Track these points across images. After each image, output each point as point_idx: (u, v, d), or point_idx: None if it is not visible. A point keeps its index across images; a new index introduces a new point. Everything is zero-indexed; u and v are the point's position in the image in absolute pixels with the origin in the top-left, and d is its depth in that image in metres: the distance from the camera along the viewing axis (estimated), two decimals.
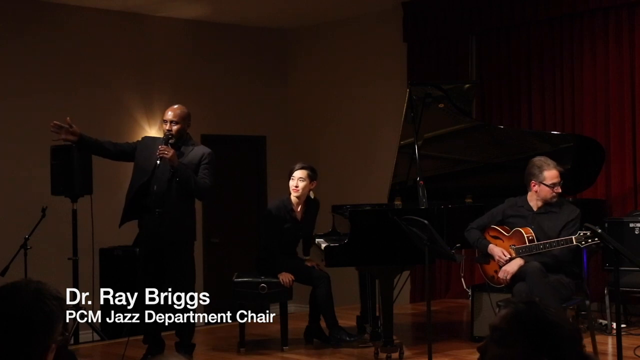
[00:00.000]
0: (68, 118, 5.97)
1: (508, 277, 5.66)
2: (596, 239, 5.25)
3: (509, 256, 5.72)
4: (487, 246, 5.84)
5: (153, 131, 8.92)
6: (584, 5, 7.85)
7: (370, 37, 9.74)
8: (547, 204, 5.84)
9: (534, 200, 5.86)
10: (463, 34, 8.83)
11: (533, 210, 5.84)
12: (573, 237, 5.42)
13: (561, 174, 5.84)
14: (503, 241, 5.86)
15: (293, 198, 6.65)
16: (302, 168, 6.65)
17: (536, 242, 5.67)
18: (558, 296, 5.52)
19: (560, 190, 5.82)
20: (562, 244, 5.52)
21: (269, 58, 10.42)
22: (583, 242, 5.37)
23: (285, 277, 6.47)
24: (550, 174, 5.78)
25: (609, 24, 7.75)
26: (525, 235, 5.73)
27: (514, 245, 5.75)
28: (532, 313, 2.02)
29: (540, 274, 5.50)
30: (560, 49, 8.12)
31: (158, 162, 5.85)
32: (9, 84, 8.41)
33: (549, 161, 5.84)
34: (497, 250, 5.78)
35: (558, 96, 8.14)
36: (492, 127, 7.37)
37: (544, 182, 5.78)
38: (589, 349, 5.02)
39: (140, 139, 6.47)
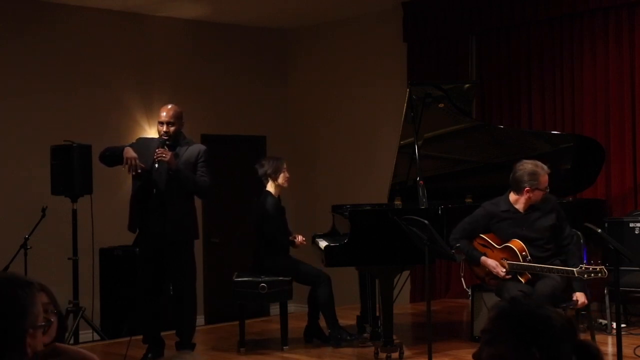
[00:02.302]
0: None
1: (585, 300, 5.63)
2: (600, 274, 5.23)
3: (506, 269, 5.68)
4: (479, 258, 5.79)
5: (153, 131, 8.90)
6: (584, 5, 7.84)
7: (370, 37, 9.74)
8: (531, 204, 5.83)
9: (521, 204, 5.81)
10: (463, 34, 8.82)
11: (521, 212, 5.82)
12: (575, 269, 5.37)
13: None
14: (493, 251, 5.82)
15: (276, 190, 6.72)
16: (283, 159, 6.84)
17: (533, 264, 5.60)
18: (554, 297, 5.52)
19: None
20: (563, 274, 5.51)
21: (269, 58, 10.42)
22: (585, 276, 5.33)
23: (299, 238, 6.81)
24: (544, 179, 5.76)
25: (609, 24, 7.75)
26: (518, 252, 5.68)
27: (508, 260, 5.71)
28: (516, 308, 2.07)
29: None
30: (560, 49, 8.11)
31: (156, 165, 5.86)
32: (9, 84, 8.40)
33: (540, 166, 5.76)
34: (491, 262, 5.73)
35: (558, 96, 8.13)
36: (492, 127, 7.38)
37: (539, 188, 5.76)
38: None
39: (134, 140, 6.47)
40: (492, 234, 5.88)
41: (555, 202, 5.84)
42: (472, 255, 5.84)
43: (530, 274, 5.66)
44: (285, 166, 6.72)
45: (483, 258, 5.77)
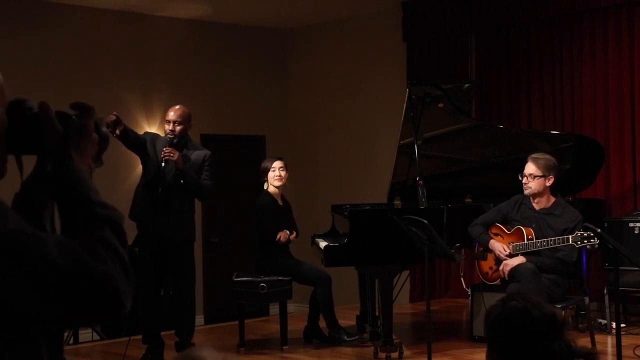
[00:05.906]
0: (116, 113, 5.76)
1: (507, 269, 5.69)
2: (592, 240, 5.29)
3: (509, 251, 5.78)
4: (488, 242, 5.90)
5: (152, 130, 8.89)
6: (584, 5, 7.84)
7: (370, 37, 9.74)
8: (550, 206, 5.86)
9: (533, 199, 5.91)
10: (462, 33, 8.82)
11: (535, 210, 5.88)
12: (570, 236, 5.46)
13: (546, 169, 5.82)
14: (503, 238, 5.93)
15: (273, 189, 6.67)
16: (278, 159, 6.73)
17: (534, 240, 5.72)
18: (550, 296, 5.55)
19: (528, 183, 5.82)
20: (559, 243, 5.56)
21: (269, 58, 10.42)
22: (579, 242, 5.40)
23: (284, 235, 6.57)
24: (526, 165, 5.86)
25: (609, 24, 7.75)
26: (525, 234, 5.79)
27: (513, 243, 5.80)
28: (494, 312, 2.13)
29: (532, 275, 5.53)
30: (560, 49, 8.11)
31: (163, 164, 5.87)
32: (8, 84, 8.29)
33: (534, 155, 5.90)
34: (497, 245, 5.84)
35: (558, 96, 8.13)
36: (492, 126, 7.39)
37: (522, 174, 5.88)
38: None
39: (142, 133, 6.46)
40: (508, 225, 6.00)
41: (580, 221, 5.74)
42: (482, 240, 5.98)
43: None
44: (280, 165, 6.63)
45: (491, 241, 5.90)
